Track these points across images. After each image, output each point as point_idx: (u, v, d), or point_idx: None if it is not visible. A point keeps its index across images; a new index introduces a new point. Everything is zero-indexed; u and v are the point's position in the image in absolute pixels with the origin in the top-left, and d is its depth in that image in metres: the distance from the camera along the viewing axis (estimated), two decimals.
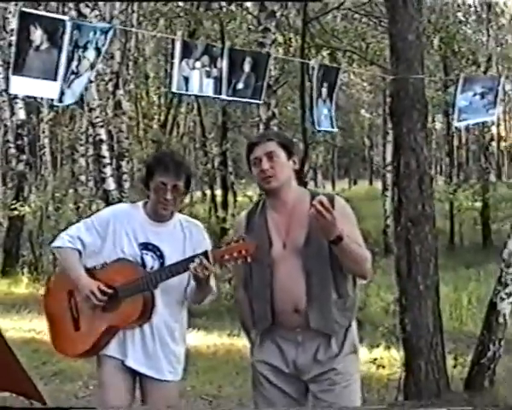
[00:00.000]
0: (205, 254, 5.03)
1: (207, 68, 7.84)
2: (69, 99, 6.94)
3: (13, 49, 6.68)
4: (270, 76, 17.75)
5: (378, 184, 48.62)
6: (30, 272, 20.38)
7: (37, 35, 6.57)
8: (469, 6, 35.43)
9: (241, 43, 23.16)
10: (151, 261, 5.30)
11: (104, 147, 18.71)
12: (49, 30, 6.67)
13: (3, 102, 24.92)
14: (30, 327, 13.52)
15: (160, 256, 5.30)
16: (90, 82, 18.52)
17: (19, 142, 23.45)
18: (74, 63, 6.86)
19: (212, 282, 5.30)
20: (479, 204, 33.68)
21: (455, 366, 9.99)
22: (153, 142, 27.93)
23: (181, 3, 27.09)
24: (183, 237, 5.39)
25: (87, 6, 16.78)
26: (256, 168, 4.97)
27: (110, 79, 22.89)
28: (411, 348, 9.06)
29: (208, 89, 7.94)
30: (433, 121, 38.59)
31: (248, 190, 31.36)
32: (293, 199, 4.99)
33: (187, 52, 7.71)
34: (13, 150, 24.05)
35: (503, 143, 49.20)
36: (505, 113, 46.68)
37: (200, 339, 13.65)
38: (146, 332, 5.30)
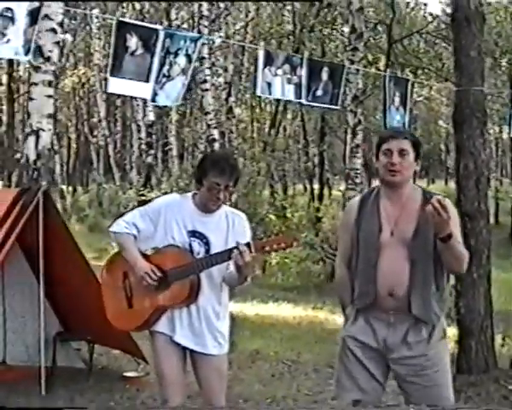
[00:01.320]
0: (247, 244, 4.72)
1: (288, 76, 7.37)
2: (163, 100, 6.55)
3: (111, 53, 6.26)
4: (357, 88, 17.51)
5: (452, 184, 48.10)
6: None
7: (133, 42, 6.21)
8: None
9: (338, 60, 22.62)
10: (198, 248, 4.96)
11: (216, 145, 18.79)
12: (144, 37, 6.30)
13: (137, 105, 25.51)
14: None
15: (206, 243, 4.97)
16: (204, 90, 18.56)
17: (149, 139, 23.50)
18: (166, 67, 6.49)
19: (249, 270, 4.94)
20: None
21: (502, 346, 9.54)
22: (262, 142, 27.60)
23: (289, 26, 26.84)
24: (226, 227, 5.04)
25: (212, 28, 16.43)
26: (385, 158, 4.48)
27: (224, 89, 22.84)
28: (464, 329, 8.53)
29: (290, 94, 7.46)
30: (500, 132, 37.67)
31: (341, 186, 31.23)
32: (407, 194, 4.55)
33: (269, 60, 7.24)
34: (144, 146, 24.29)
35: None
36: None
37: (289, 311, 13.28)
38: (192, 312, 4.98)
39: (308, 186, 35.57)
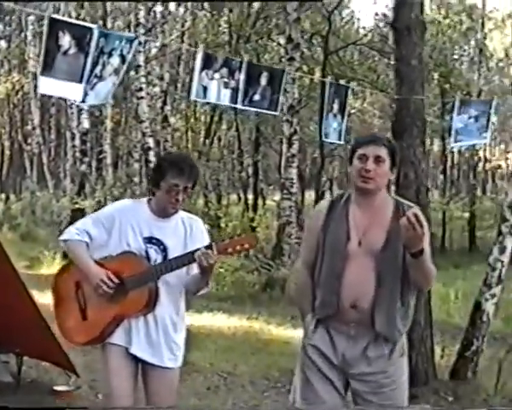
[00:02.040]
0: (209, 246, 4.55)
1: (225, 80, 7.09)
2: (92, 100, 6.22)
3: (42, 52, 5.89)
4: (293, 98, 17.39)
5: None
6: None
7: (66, 40, 5.85)
8: (464, 49, 34.77)
9: None
10: (155, 255, 4.74)
11: (152, 153, 18.45)
12: (77, 36, 5.95)
13: (72, 113, 25.02)
14: None
15: (164, 250, 4.75)
16: (139, 98, 18.22)
17: (83, 147, 23.13)
18: (98, 68, 6.15)
19: (210, 274, 4.75)
20: (467, 214, 33.12)
21: (442, 357, 9.33)
22: (197, 151, 27.36)
23: (225, 37, 26.70)
24: (184, 231, 4.82)
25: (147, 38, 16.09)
26: (359, 163, 4.27)
27: (159, 98, 22.51)
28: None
29: (225, 98, 7.19)
30: (431, 144, 38.20)
31: (275, 196, 31.09)
32: (378, 203, 4.36)
33: (207, 64, 6.96)
34: (78, 154, 23.85)
35: (488, 165, 49.12)
36: (490, 138, 46.02)
37: (223, 321, 12.93)
38: (150, 322, 4.76)
39: (242, 196, 35.34)
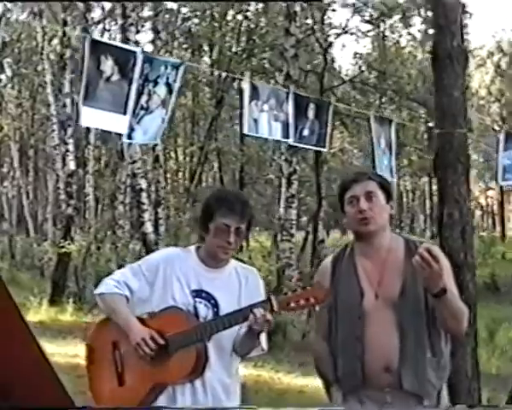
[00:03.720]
0: (268, 301, 3.82)
1: (275, 112, 6.27)
2: (140, 137, 5.33)
3: (83, 79, 4.99)
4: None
5: None
6: (74, 301, 18.91)
7: (108, 65, 5.00)
8: None
9: None
10: (204, 310, 4.02)
11: (144, 194, 17.71)
12: (120, 61, 5.09)
13: (57, 154, 24.24)
14: (75, 352, 11.75)
15: (215, 305, 4.03)
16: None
17: (68, 189, 22.09)
18: (144, 98, 5.29)
19: (263, 336, 4.05)
20: None
21: None
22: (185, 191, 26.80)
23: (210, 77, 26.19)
24: (238, 284, 4.13)
25: None
26: (352, 208, 3.80)
27: None
28: (450, 392, 7.63)
29: (277, 132, 6.37)
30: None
31: (260, 237, 30.38)
32: (386, 245, 3.83)
33: (255, 94, 6.13)
34: (63, 196, 22.96)
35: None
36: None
37: None
38: (197, 388, 4.01)
39: None
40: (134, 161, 17.64)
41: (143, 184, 17.77)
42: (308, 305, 3.82)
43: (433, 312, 3.69)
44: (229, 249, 4.00)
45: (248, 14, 23.24)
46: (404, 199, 49.07)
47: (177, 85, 5.42)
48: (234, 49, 23.81)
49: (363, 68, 22.73)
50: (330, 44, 20.98)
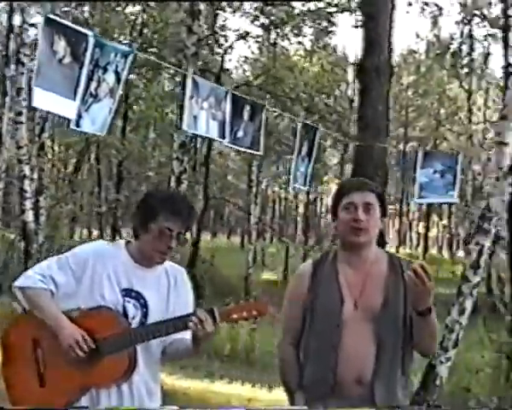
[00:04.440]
0: (211, 311, 3.70)
1: (213, 110, 6.14)
2: (87, 126, 5.09)
3: (37, 57, 4.72)
4: (186, 136, 16.52)
5: (235, 239, 48.57)
6: None
7: (61, 46, 4.74)
8: None
9: None
10: (133, 310, 3.84)
11: (27, 182, 16.74)
12: (73, 43, 4.84)
13: None
14: None
15: (144, 305, 3.86)
16: (19, 122, 16.84)
17: None
18: (93, 84, 5.07)
19: (206, 342, 3.89)
20: None
21: None
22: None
23: None
24: (167, 285, 3.95)
25: None
26: (347, 214, 3.68)
27: (38, 123, 21.04)
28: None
29: (213, 132, 6.24)
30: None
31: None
32: (371, 258, 3.74)
33: (195, 90, 6.00)
34: None
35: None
36: None
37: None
38: (124, 391, 3.84)
39: (95, 232, 34.11)
40: (20, 147, 17.04)
41: (27, 170, 17.17)
42: (250, 317, 3.76)
43: (410, 330, 3.66)
44: (167, 254, 3.87)
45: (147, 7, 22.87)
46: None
47: (125, 74, 5.23)
48: (125, 41, 23.40)
49: (258, 73, 22.76)
50: (229, 47, 20.91)
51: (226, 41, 20.63)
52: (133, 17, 24.24)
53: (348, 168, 37.74)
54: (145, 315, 3.85)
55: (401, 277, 3.68)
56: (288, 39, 27.87)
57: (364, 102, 8.11)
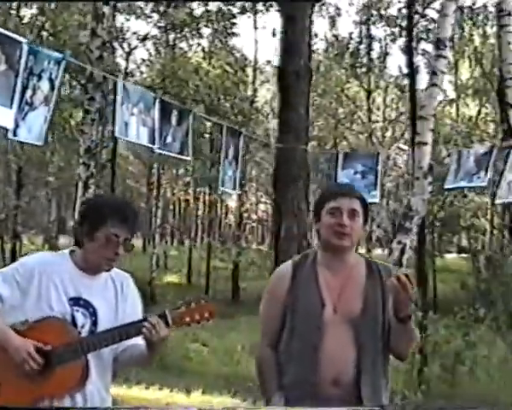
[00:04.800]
0: (163, 315, 3.72)
1: (143, 116, 6.11)
2: (24, 135, 4.97)
3: None
4: (91, 139, 16.31)
5: (137, 242, 48.17)
6: None
7: None
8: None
9: None
10: (82, 319, 3.78)
11: None
12: (7, 51, 4.75)
13: None
14: None
15: (93, 313, 3.81)
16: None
17: None
18: (29, 92, 4.98)
19: (161, 347, 3.89)
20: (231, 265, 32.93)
21: None
22: None
23: None
24: (114, 291, 3.93)
25: None
26: (331, 218, 3.75)
27: None
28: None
29: (143, 138, 6.20)
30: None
31: (36, 240, 29.41)
32: (351, 263, 3.83)
33: (126, 96, 5.95)
34: None
35: (254, 216, 50.14)
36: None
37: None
38: (78, 402, 3.78)
39: None
40: None
41: None
42: (202, 319, 3.77)
43: (388, 335, 3.74)
44: (115, 261, 3.84)
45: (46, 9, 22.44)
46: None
47: (58, 81, 5.15)
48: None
49: (163, 76, 22.62)
50: (133, 49, 20.73)
51: (129, 45, 20.40)
52: (28, 20, 23.71)
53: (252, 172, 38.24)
54: (94, 323, 3.79)
55: (379, 282, 3.78)
56: (187, 41, 27.96)
57: (285, 105, 8.17)
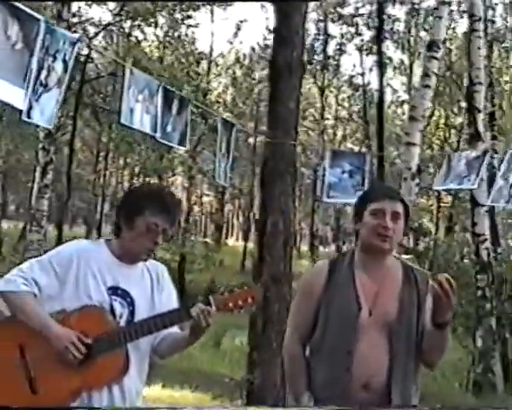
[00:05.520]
0: (207, 300, 3.68)
1: (147, 103, 5.92)
2: (37, 117, 4.72)
3: None
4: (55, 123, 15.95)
5: (79, 230, 47.90)
6: None
7: (14, 31, 4.41)
8: None
9: None
10: (120, 309, 3.77)
11: None
12: (25, 28, 4.51)
13: None
14: None
15: (131, 303, 3.79)
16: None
17: None
18: (44, 73, 4.73)
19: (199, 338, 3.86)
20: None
21: None
22: None
23: None
24: (150, 281, 3.92)
25: None
26: (374, 219, 3.71)
27: None
28: (256, 402, 7.83)
29: (146, 126, 6.02)
30: None
31: None
32: (388, 266, 3.78)
33: (132, 82, 5.76)
34: None
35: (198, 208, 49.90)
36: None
37: None
38: (115, 394, 3.73)
39: None
40: None
41: None
42: (246, 305, 3.71)
43: (420, 341, 3.68)
44: (153, 251, 3.80)
45: None
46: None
47: (71, 64, 4.93)
48: None
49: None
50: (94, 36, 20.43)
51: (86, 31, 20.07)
52: None
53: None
54: (132, 313, 3.76)
55: (415, 286, 3.73)
56: (142, 30, 27.68)
57: (275, 99, 8.04)
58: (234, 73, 35.52)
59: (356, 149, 31.23)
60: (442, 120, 31.04)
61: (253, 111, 35.92)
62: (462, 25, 24.91)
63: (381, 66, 24.43)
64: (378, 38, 23.41)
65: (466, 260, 18.26)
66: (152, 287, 3.89)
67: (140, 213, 3.73)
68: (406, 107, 32.43)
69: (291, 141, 7.96)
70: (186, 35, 29.79)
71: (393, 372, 3.62)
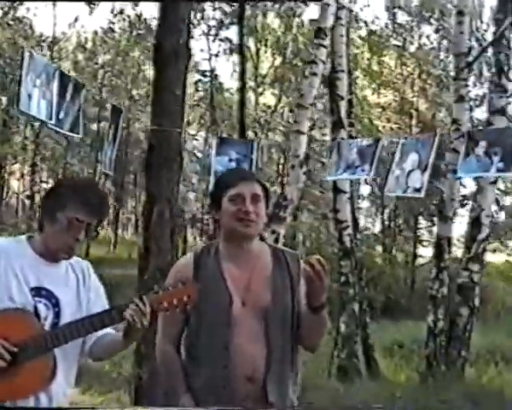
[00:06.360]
0: (140, 299, 3.43)
1: (44, 89, 5.60)
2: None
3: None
4: None
5: None
6: None
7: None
8: None
9: None
10: (45, 311, 3.51)
11: None
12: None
13: None
14: None
15: (56, 304, 3.54)
16: None
17: None
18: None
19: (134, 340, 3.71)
20: None
21: None
22: None
23: None
24: (76, 280, 3.69)
25: None
26: (233, 206, 3.58)
27: None
28: (143, 397, 7.52)
29: (42, 112, 5.69)
30: None
31: None
32: (256, 252, 3.66)
33: (31, 65, 5.44)
34: None
35: None
36: None
37: None
38: (42, 402, 3.48)
39: None
40: None
41: None
42: (181, 304, 3.47)
43: (297, 325, 3.59)
44: (75, 248, 3.57)
45: None
46: None
47: None
48: None
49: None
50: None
51: None
52: None
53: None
54: (57, 315, 3.53)
55: (286, 269, 3.63)
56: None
57: (160, 86, 7.85)
58: (76, 56, 34.55)
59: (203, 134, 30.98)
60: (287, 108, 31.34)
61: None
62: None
63: (232, 52, 24.42)
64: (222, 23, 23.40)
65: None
66: (78, 286, 3.68)
67: (61, 207, 3.50)
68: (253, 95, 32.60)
69: (177, 129, 7.76)
70: (25, 17, 28.75)
71: (270, 360, 3.51)
